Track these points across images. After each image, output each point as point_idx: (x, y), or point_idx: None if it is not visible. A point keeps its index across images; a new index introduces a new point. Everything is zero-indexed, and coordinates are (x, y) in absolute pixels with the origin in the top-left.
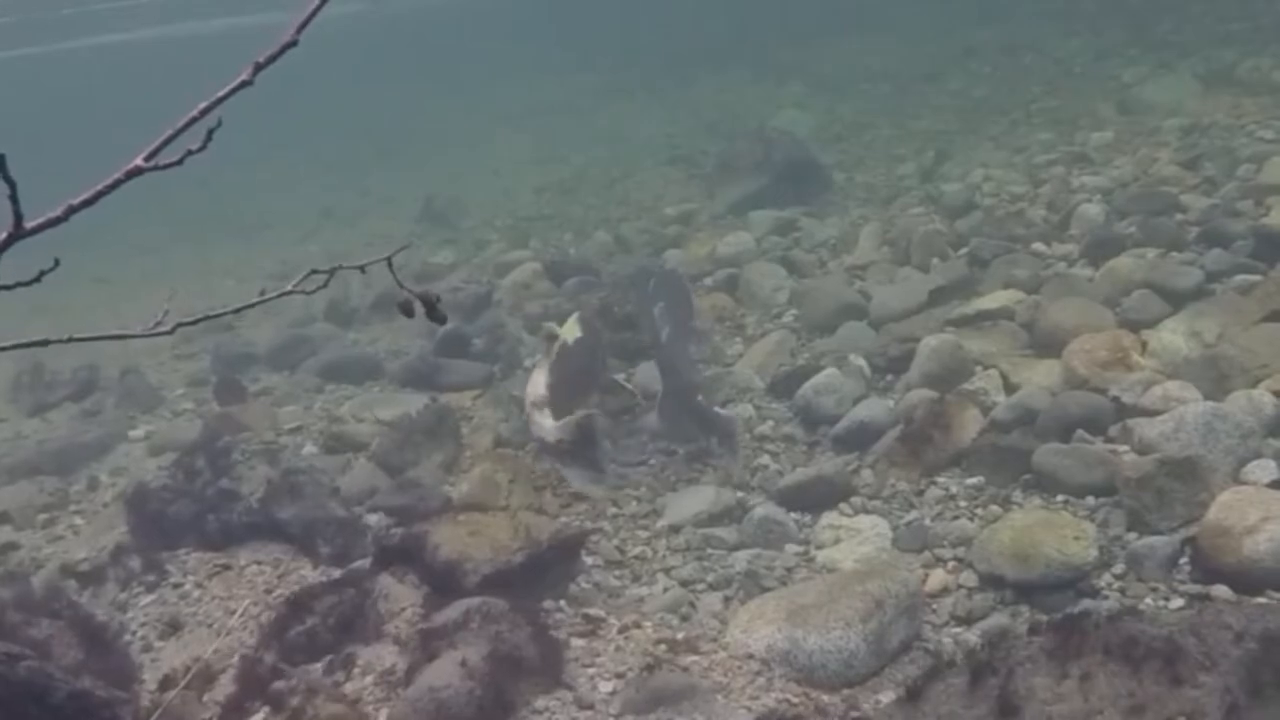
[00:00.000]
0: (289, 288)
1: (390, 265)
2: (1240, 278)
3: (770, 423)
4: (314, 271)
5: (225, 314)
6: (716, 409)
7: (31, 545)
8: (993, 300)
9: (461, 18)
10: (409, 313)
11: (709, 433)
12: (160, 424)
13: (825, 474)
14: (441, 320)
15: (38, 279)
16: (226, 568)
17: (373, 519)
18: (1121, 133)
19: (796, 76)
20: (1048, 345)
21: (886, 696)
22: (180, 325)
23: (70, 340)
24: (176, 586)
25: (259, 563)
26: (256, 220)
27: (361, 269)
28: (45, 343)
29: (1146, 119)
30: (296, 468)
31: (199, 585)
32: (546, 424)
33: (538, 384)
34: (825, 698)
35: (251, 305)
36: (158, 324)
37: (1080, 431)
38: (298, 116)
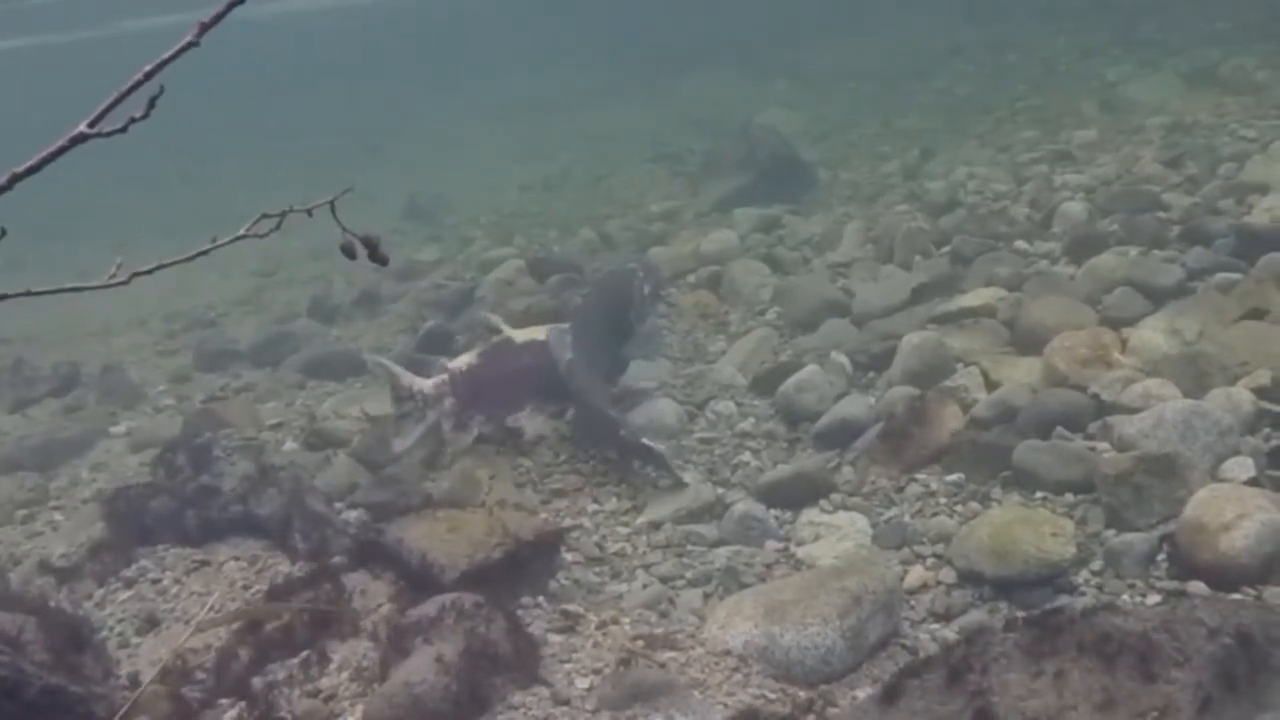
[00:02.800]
0: (241, 232)
1: (333, 208)
2: (1221, 276)
3: (751, 420)
4: (264, 216)
5: (180, 262)
6: (644, 440)
7: (9, 541)
8: (975, 298)
9: (445, 17)
10: (351, 255)
11: (637, 459)
12: (142, 420)
13: (806, 471)
14: (384, 261)
15: None
16: (205, 564)
17: (352, 515)
18: (1105, 131)
19: (783, 74)
20: (1029, 343)
21: (863, 692)
22: (136, 275)
23: (28, 294)
24: (154, 582)
25: (237, 559)
26: (240, 216)
27: (309, 212)
28: (2, 297)
29: (1130, 117)
30: (276, 464)
31: (177, 581)
32: (425, 381)
33: (460, 360)
34: (802, 694)
35: (205, 252)
36: (112, 275)
37: (1060, 429)
38: (285, 112)
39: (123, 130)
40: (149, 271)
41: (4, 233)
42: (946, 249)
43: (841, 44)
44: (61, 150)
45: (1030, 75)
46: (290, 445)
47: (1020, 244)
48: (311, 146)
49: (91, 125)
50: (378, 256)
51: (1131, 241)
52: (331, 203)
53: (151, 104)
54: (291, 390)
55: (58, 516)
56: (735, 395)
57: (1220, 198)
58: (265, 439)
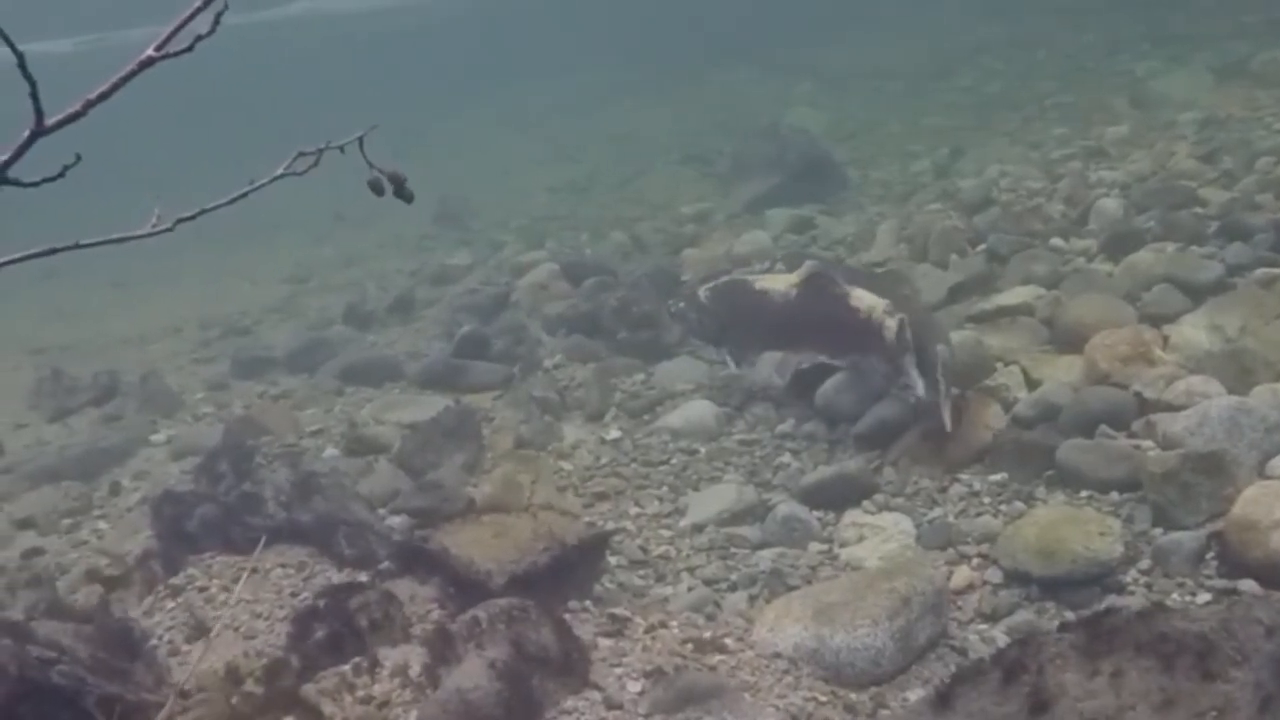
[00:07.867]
0: (279, 171)
1: (360, 145)
2: (1261, 271)
3: (791, 421)
4: (301, 153)
5: (222, 205)
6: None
7: (56, 550)
8: (1012, 296)
9: (466, 21)
10: (379, 191)
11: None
12: (181, 428)
13: (847, 472)
14: (409, 199)
15: (62, 174)
16: (252, 571)
17: (395, 521)
18: (1137, 127)
19: (807, 74)
20: (1068, 341)
21: (914, 694)
22: (180, 221)
23: (77, 246)
24: (202, 590)
25: (284, 565)
26: (270, 223)
27: (341, 149)
28: (52, 251)
29: (1161, 113)
30: (318, 470)
31: (225, 589)
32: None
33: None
34: (853, 696)
35: (245, 194)
36: (155, 224)
37: (1103, 427)
38: (308, 117)
39: (189, 49)
40: (192, 217)
41: (79, 158)
42: (982, 247)
43: (865, 43)
44: (132, 74)
45: (1058, 71)
46: (330, 451)
47: (1056, 241)
48: (336, 150)
49: (158, 49)
50: (404, 193)
51: (1169, 238)
52: (360, 139)
53: (217, 20)
54: (329, 396)
55: (102, 525)
56: (774, 396)
57: (1258, 192)
58: (306, 446)
